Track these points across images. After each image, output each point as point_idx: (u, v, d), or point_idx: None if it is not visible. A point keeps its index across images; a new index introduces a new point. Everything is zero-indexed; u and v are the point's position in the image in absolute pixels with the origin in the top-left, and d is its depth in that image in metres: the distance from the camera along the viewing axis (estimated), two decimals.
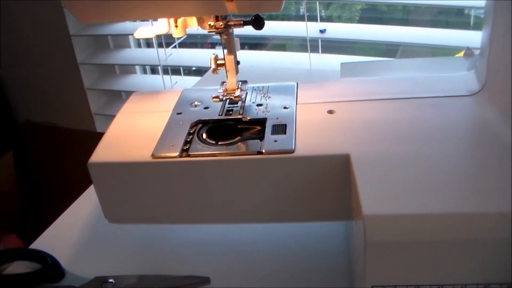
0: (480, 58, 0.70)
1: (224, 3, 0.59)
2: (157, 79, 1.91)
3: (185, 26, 0.68)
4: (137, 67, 2.03)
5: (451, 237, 0.49)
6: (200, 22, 0.67)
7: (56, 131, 2.08)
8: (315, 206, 0.63)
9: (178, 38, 1.68)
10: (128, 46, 1.98)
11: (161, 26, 0.68)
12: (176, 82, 1.83)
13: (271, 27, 1.55)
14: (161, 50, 1.75)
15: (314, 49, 1.53)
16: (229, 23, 0.66)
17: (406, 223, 0.49)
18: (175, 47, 1.78)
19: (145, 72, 2.08)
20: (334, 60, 1.47)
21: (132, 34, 1.84)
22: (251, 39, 1.85)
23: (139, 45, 2.02)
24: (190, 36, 1.87)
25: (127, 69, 2.03)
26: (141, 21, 1.59)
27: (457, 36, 1.35)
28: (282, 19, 1.71)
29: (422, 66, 0.91)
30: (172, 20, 0.67)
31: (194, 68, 1.91)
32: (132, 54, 1.91)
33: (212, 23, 0.66)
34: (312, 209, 0.64)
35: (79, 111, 2.02)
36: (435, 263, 0.50)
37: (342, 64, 0.89)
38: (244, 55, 1.57)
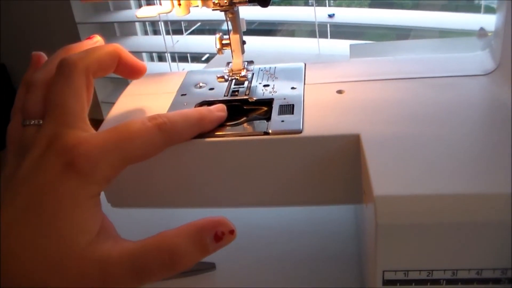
0: (495, 38, 0.68)
1: None
2: (165, 67, 1.89)
3: (188, 4, 0.66)
4: (144, 55, 2.02)
5: (467, 219, 0.47)
6: (204, 0, 0.65)
7: None
8: (324, 189, 0.61)
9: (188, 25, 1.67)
10: (135, 34, 1.97)
11: (164, 5, 0.66)
12: (184, 69, 1.81)
13: (279, 12, 1.54)
14: (168, 37, 1.74)
15: (323, 35, 1.51)
16: (234, 1, 0.64)
17: (418, 205, 0.47)
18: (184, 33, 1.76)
19: (152, 59, 2.06)
20: (343, 46, 1.45)
21: (139, 19, 1.84)
22: (260, 25, 1.83)
23: (146, 33, 2.01)
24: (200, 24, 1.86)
25: (134, 56, 2.02)
26: (146, 3, 1.58)
27: (469, 20, 1.33)
28: (291, 5, 1.69)
29: (434, 47, 0.89)
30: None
31: (205, 57, 1.89)
32: (139, 41, 1.89)
33: (216, 1, 0.64)
34: (321, 192, 0.62)
35: None
36: (449, 246, 0.48)
37: (351, 45, 0.87)
38: (252, 41, 1.55)
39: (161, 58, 2.06)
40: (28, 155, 0.48)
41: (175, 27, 1.85)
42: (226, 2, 0.64)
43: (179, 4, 0.65)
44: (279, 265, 0.67)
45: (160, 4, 0.66)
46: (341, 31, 1.63)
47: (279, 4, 1.68)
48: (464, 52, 0.75)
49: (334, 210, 0.73)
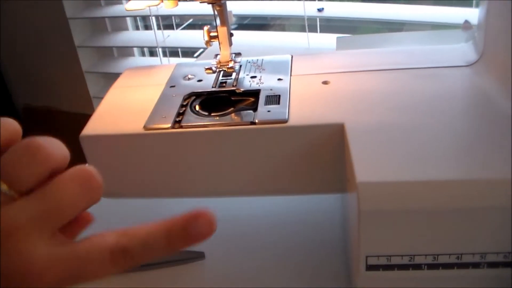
0: (478, 30, 0.69)
1: None
2: (156, 61, 1.90)
3: None
4: (135, 50, 2.02)
5: (446, 205, 0.48)
6: None
7: (55, 114, 2.08)
8: (310, 178, 0.62)
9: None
10: (126, 29, 1.97)
11: None
12: None
13: (270, 7, 1.54)
14: (159, 32, 1.74)
15: (314, 30, 1.52)
16: None
17: (400, 191, 0.48)
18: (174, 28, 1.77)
19: (143, 54, 2.06)
20: (332, 40, 1.46)
21: (130, 14, 1.84)
22: (253, 20, 1.84)
23: (137, 28, 2.01)
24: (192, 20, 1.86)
25: (125, 51, 2.02)
26: None
27: (461, 14, 1.34)
28: None
29: (420, 39, 0.90)
30: None
31: (197, 53, 1.89)
32: (130, 36, 1.90)
33: None
34: (307, 181, 0.63)
35: (78, 94, 2.01)
36: (430, 232, 0.49)
37: (338, 38, 0.88)
38: (243, 35, 1.56)
39: (152, 53, 2.06)
40: None
41: (166, 23, 1.85)
42: None
43: None
44: (268, 253, 0.68)
45: None
46: (333, 25, 1.64)
47: None
48: (449, 44, 0.76)
49: (321, 201, 0.75)
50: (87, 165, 0.45)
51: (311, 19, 1.49)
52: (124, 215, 0.75)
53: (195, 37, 1.72)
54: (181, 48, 1.87)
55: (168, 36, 1.74)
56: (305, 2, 1.44)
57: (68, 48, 1.92)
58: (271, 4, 1.56)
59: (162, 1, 0.67)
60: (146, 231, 0.45)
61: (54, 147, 0.43)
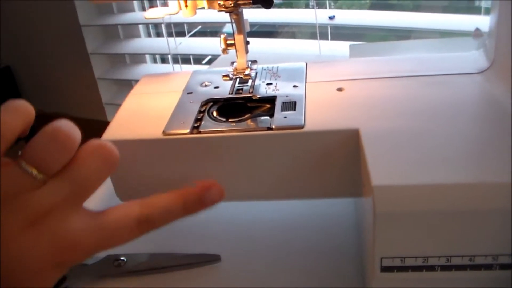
0: (489, 38, 0.71)
1: None
2: (167, 68, 1.92)
3: (195, 6, 0.69)
4: (147, 57, 2.04)
5: (459, 207, 0.49)
6: (210, 2, 0.68)
7: None
8: (326, 182, 0.64)
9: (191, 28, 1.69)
10: (138, 36, 1.99)
11: (171, 6, 0.69)
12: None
13: (281, 15, 1.56)
14: (171, 39, 1.76)
15: (324, 37, 1.53)
16: (239, 2, 0.67)
17: (414, 194, 0.50)
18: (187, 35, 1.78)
19: (155, 61, 2.09)
20: (344, 47, 1.47)
21: (142, 21, 1.86)
22: (262, 27, 1.86)
23: (149, 35, 2.03)
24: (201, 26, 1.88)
25: (137, 58, 2.04)
26: (149, 5, 1.60)
27: (469, 22, 1.35)
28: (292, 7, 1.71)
29: (431, 46, 0.91)
30: (182, 1, 0.68)
31: (206, 60, 1.91)
32: (142, 43, 1.92)
33: (221, 2, 0.67)
34: (323, 185, 0.64)
35: (90, 101, 2.03)
36: (443, 233, 0.51)
37: (351, 45, 0.89)
38: (255, 43, 1.58)
39: (163, 60, 2.08)
40: (18, 214, 0.45)
41: (178, 30, 1.87)
42: (231, 4, 0.66)
43: (186, 6, 0.68)
44: (282, 256, 0.69)
45: (167, 5, 0.69)
46: (342, 33, 1.65)
47: (279, 6, 1.70)
48: (460, 52, 0.77)
49: (335, 205, 0.76)
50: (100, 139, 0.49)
51: (320, 27, 1.51)
52: None
53: (206, 44, 1.74)
54: (193, 55, 1.89)
55: (180, 43, 1.76)
56: (317, 10, 1.46)
57: (81, 55, 1.95)
58: (282, 12, 1.58)
59: (180, 10, 0.68)
60: (166, 200, 0.52)
61: (74, 130, 0.48)
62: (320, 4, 1.56)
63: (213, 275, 0.68)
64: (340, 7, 1.74)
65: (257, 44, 1.59)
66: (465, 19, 1.38)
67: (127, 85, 2.05)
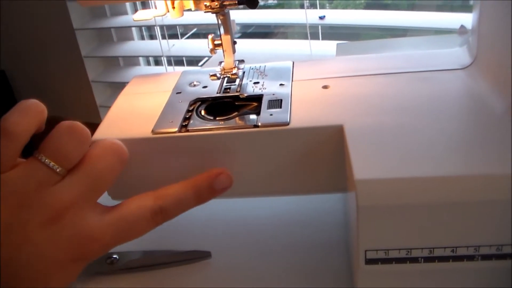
0: (472, 35, 0.72)
1: None
2: (161, 70, 1.93)
3: (182, 7, 0.70)
4: (141, 59, 2.05)
5: (440, 200, 0.50)
6: (196, 3, 0.69)
7: None
8: (312, 178, 0.65)
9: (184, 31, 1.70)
10: (132, 39, 2.00)
11: (159, 8, 0.70)
12: None
13: (271, 16, 1.57)
14: (164, 41, 1.77)
15: (316, 37, 1.55)
16: (224, 3, 0.68)
17: (397, 187, 0.51)
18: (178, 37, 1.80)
19: (149, 64, 2.10)
20: (334, 47, 1.48)
21: (135, 24, 1.87)
22: (257, 28, 1.87)
23: (142, 38, 2.05)
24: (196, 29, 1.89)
25: (131, 61, 2.05)
26: (141, 7, 1.61)
27: (461, 20, 1.35)
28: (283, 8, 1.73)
29: (417, 44, 0.92)
30: (169, 2, 0.69)
31: (202, 62, 1.92)
32: (136, 46, 1.93)
33: (208, 3, 0.68)
34: (309, 181, 0.66)
35: (85, 103, 2.04)
36: (425, 226, 0.52)
37: (338, 44, 0.91)
38: (247, 44, 1.59)
39: (157, 62, 2.09)
40: (38, 210, 0.47)
41: (171, 32, 1.88)
42: (217, 5, 0.68)
43: (173, 7, 0.69)
44: (272, 253, 0.70)
45: (155, 7, 0.70)
46: (339, 33, 1.67)
47: (269, 7, 1.72)
48: (445, 49, 0.79)
49: (325, 201, 0.77)
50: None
51: (314, 27, 1.52)
52: None
53: (200, 46, 1.75)
54: (186, 57, 1.90)
55: (173, 45, 1.77)
56: (307, 10, 1.47)
57: (75, 58, 1.95)
58: (274, 12, 1.59)
59: (168, 12, 0.70)
60: (177, 190, 0.56)
61: (86, 128, 0.50)
62: (315, 5, 1.58)
63: (204, 271, 0.69)
64: (335, 7, 1.75)
65: (248, 45, 1.60)
66: (458, 17, 1.39)
67: (121, 87, 2.05)
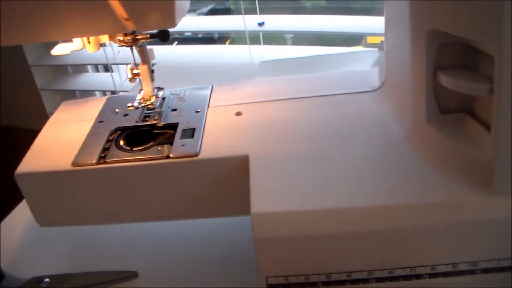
0: (384, 56, 0.75)
1: (124, 23, 0.64)
2: (109, 77, 1.93)
3: (98, 41, 0.72)
4: (89, 66, 2.05)
5: (330, 231, 0.54)
6: (111, 37, 0.71)
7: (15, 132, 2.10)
8: (221, 203, 0.69)
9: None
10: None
11: (76, 43, 0.72)
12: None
13: (212, 22, 1.58)
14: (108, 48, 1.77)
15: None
16: (137, 37, 0.70)
17: (291, 220, 0.55)
18: None
19: (97, 70, 2.09)
20: (275, 52, 1.51)
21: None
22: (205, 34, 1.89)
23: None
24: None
25: (80, 68, 2.05)
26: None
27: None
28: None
29: (338, 61, 0.95)
30: (85, 38, 0.71)
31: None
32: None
33: (121, 38, 0.70)
34: (218, 206, 0.69)
35: (35, 111, 2.04)
36: (320, 254, 0.56)
37: (261, 62, 0.93)
38: (190, 49, 1.60)
39: (107, 68, 2.08)
40: None
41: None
42: (130, 39, 0.70)
43: (89, 42, 0.71)
44: (193, 269, 0.73)
45: (72, 41, 0.72)
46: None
47: (216, 11, 1.73)
48: (362, 66, 0.82)
49: (239, 221, 0.80)
50: None
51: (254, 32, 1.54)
52: (64, 241, 0.80)
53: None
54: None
55: (119, 52, 1.77)
56: (246, 16, 1.48)
57: (22, 67, 1.94)
58: (214, 19, 1.61)
59: (84, 46, 0.72)
60: None
61: None
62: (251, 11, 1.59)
63: None
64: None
65: (189, 50, 1.60)
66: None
67: (71, 95, 2.06)
